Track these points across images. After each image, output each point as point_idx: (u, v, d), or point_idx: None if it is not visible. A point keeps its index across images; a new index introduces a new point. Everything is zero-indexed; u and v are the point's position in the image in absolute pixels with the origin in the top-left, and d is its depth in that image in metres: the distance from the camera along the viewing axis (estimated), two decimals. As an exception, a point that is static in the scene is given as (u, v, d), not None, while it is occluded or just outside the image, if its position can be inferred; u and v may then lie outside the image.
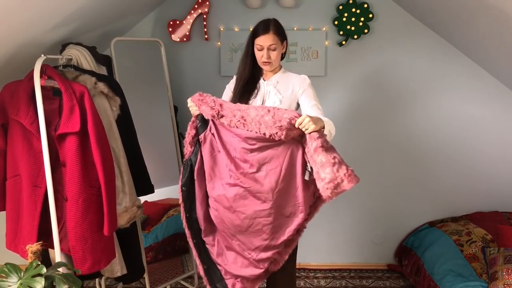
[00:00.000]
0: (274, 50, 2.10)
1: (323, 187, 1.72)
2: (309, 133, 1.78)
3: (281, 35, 2.12)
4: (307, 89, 2.17)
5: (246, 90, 2.15)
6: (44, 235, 2.01)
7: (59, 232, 2.00)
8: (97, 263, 2.03)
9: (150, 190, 2.46)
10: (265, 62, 2.11)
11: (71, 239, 1.98)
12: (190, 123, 2.09)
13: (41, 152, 1.96)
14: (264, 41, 2.08)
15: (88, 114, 1.95)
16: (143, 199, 2.70)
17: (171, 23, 3.04)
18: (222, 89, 2.28)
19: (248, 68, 2.16)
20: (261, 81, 2.19)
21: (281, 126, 1.79)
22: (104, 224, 2.00)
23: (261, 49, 2.10)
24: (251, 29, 2.16)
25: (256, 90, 2.16)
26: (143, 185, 2.39)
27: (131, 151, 2.29)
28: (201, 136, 2.06)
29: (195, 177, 2.08)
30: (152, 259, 2.84)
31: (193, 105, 2.07)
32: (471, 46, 2.95)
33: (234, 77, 2.26)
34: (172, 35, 3.05)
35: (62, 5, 1.93)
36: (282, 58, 2.21)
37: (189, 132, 2.09)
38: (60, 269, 1.62)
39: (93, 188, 2.00)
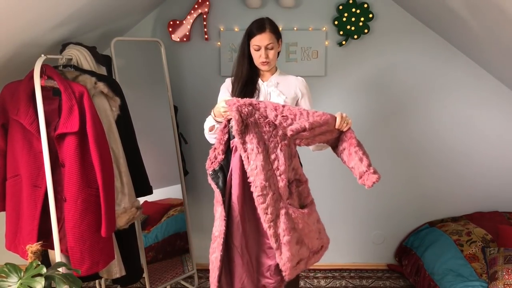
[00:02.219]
0: (271, 49, 2.08)
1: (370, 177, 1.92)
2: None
3: (276, 33, 2.11)
4: (306, 94, 2.21)
5: (246, 92, 2.12)
6: (44, 235, 2.00)
7: (58, 233, 1.99)
8: (95, 265, 2.02)
9: (149, 191, 2.45)
10: (263, 62, 2.10)
11: (69, 240, 1.97)
12: (221, 127, 1.92)
13: (41, 152, 1.96)
14: (261, 40, 2.06)
15: (87, 114, 1.94)
16: (143, 199, 2.70)
17: (171, 23, 3.04)
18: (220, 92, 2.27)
19: (245, 70, 2.14)
20: (260, 82, 2.18)
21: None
22: (102, 225, 1.99)
23: (258, 49, 2.08)
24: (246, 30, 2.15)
25: (257, 91, 2.15)
26: (142, 186, 2.38)
27: (130, 152, 2.28)
28: (233, 142, 1.89)
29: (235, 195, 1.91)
30: (152, 259, 2.84)
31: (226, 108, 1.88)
32: (471, 46, 2.95)
33: (227, 80, 2.24)
34: (172, 35, 3.05)
35: (62, 5, 1.93)
36: (277, 57, 2.21)
37: (221, 138, 1.91)
38: (60, 269, 1.62)
39: (92, 188, 1.99)
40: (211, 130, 2.06)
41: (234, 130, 1.80)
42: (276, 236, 1.83)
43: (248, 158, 1.80)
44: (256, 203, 1.81)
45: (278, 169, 1.83)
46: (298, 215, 1.87)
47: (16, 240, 2.10)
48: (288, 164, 1.86)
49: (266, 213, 1.80)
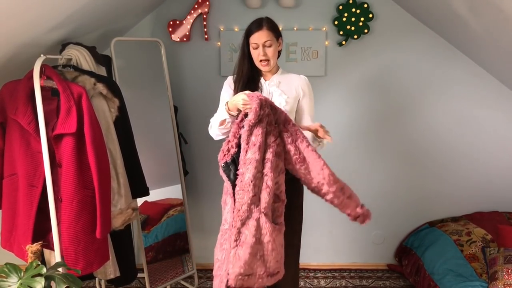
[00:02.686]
0: (269, 46, 2.08)
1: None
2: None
3: (275, 31, 2.11)
4: (307, 93, 2.20)
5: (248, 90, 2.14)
6: (39, 235, 2.00)
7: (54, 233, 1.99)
8: (90, 265, 2.02)
9: (145, 192, 2.44)
10: (263, 61, 2.09)
11: (64, 240, 1.97)
12: (237, 121, 1.92)
13: (38, 152, 1.96)
14: (259, 38, 2.06)
15: (85, 116, 1.94)
16: (143, 199, 2.70)
17: (171, 23, 3.04)
18: (222, 89, 2.27)
19: (246, 69, 2.14)
20: (262, 81, 2.18)
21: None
22: (97, 226, 1.99)
23: (257, 47, 2.08)
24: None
25: (259, 90, 2.15)
26: (139, 187, 2.38)
27: (128, 153, 2.28)
28: None
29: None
30: (152, 259, 2.84)
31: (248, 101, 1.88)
32: (471, 46, 2.95)
33: (230, 77, 2.24)
34: (172, 35, 3.05)
35: (62, 5, 1.93)
36: (278, 57, 2.20)
37: (236, 132, 1.91)
38: (60, 269, 1.62)
39: (88, 189, 1.99)
40: (222, 124, 2.06)
41: (247, 121, 1.81)
42: (238, 235, 1.80)
43: (246, 151, 1.81)
44: (235, 195, 1.82)
45: (266, 175, 1.83)
46: (269, 227, 1.82)
47: (11, 238, 2.11)
48: (275, 176, 1.86)
49: (239, 210, 1.80)
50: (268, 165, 1.83)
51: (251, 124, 1.80)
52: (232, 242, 1.81)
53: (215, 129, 2.10)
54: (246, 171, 1.80)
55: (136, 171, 2.37)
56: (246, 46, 2.13)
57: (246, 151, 1.81)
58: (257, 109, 1.79)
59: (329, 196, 1.93)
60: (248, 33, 2.10)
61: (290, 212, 2.07)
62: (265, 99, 1.85)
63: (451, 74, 3.12)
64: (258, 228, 1.81)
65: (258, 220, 1.81)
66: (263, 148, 1.83)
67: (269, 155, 1.84)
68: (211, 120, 2.14)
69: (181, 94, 3.17)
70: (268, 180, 1.82)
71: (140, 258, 2.78)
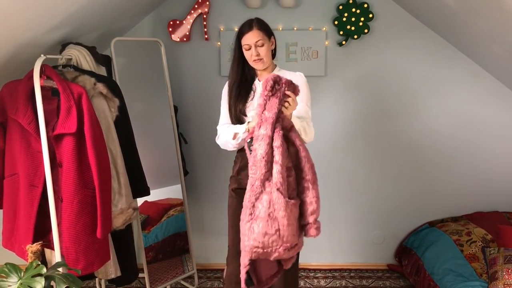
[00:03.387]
0: (261, 46, 2.07)
1: None
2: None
3: (266, 30, 2.10)
4: (301, 87, 2.16)
5: (241, 92, 2.13)
6: (40, 235, 2.00)
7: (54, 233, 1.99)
8: (90, 265, 2.02)
9: (146, 192, 2.45)
10: (255, 60, 2.09)
11: (64, 240, 1.97)
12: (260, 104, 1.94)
13: (38, 152, 1.96)
14: (250, 38, 2.06)
15: (85, 115, 1.94)
16: (143, 199, 2.70)
17: (171, 23, 3.04)
18: (222, 89, 2.27)
19: (239, 71, 2.15)
20: (256, 81, 2.18)
21: None
22: (97, 226, 1.99)
23: (249, 48, 2.08)
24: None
25: (252, 92, 2.15)
26: (139, 187, 2.38)
27: (128, 152, 2.28)
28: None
29: None
30: (152, 259, 2.84)
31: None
32: (471, 46, 2.95)
33: (226, 84, 2.24)
34: (172, 35, 3.05)
35: (62, 5, 1.93)
36: (273, 56, 2.20)
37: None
38: (60, 269, 1.62)
39: (88, 189, 1.99)
40: (234, 138, 2.09)
41: (261, 93, 1.81)
42: (253, 209, 1.80)
43: (260, 126, 1.81)
44: (249, 170, 1.83)
45: (277, 148, 1.81)
46: (282, 203, 1.78)
47: (12, 238, 2.11)
48: (284, 149, 1.83)
49: (253, 185, 1.80)
50: (278, 139, 1.82)
51: (265, 96, 1.81)
52: (247, 216, 1.82)
53: (228, 143, 2.12)
54: (259, 147, 1.80)
55: (137, 170, 2.37)
56: (237, 48, 2.13)
57: (260, 126, 1.81)
58: (271, 83, 1.80)
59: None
60: (239, 35, 2.10)
61: None
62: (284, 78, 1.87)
63: (451, 73, 3.13)
64: (271, 203, 1.80)
65: (270, 195, 1.80)
66: (275, 125, 1.83)
67: (279, 128, 1.83)
68: (218, 129, 2.16)
69: (181, 94, 3.17)
70: (278, 154, 1.80)
71: (140, 258, 2.78)
